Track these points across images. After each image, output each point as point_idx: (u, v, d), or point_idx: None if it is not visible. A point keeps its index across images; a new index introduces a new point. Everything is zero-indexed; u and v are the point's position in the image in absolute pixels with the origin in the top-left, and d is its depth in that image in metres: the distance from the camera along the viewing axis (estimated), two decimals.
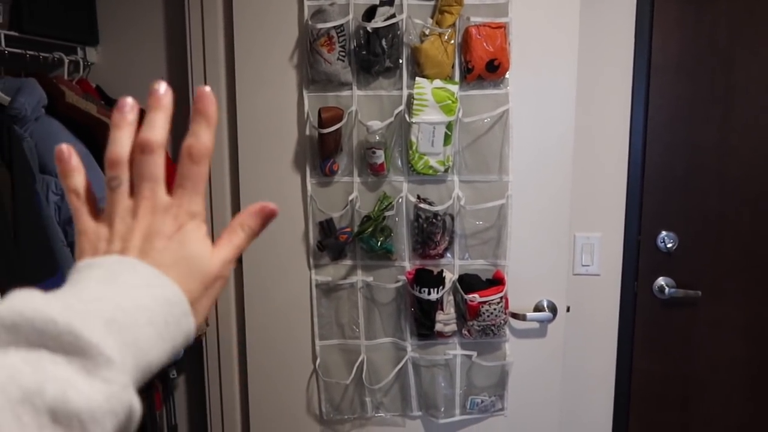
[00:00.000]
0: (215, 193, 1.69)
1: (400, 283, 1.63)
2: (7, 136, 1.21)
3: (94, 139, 1.45)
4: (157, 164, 0.41)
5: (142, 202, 0.41)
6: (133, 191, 0.42)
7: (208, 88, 0.43)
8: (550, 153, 1.59)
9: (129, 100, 0.44)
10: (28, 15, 1.48)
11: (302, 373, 1.71)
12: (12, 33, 1.46)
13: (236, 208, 1.69)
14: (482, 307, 1.56)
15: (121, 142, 0.42)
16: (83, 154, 1.36)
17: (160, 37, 1.77)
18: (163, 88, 0.43)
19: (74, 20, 1.68)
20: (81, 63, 1.69)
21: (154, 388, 1.56)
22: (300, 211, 1.64)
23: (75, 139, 1.37)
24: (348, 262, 1.65)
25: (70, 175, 0.43)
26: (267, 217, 0.45)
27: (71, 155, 0.44)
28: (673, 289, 1.82)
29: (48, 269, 1.23)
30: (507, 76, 1.56)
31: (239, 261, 1.70)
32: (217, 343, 1.74)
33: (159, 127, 0.42)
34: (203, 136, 0.42)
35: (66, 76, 1.61)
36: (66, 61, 1.60)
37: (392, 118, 1.55)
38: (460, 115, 1.54)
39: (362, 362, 1.67)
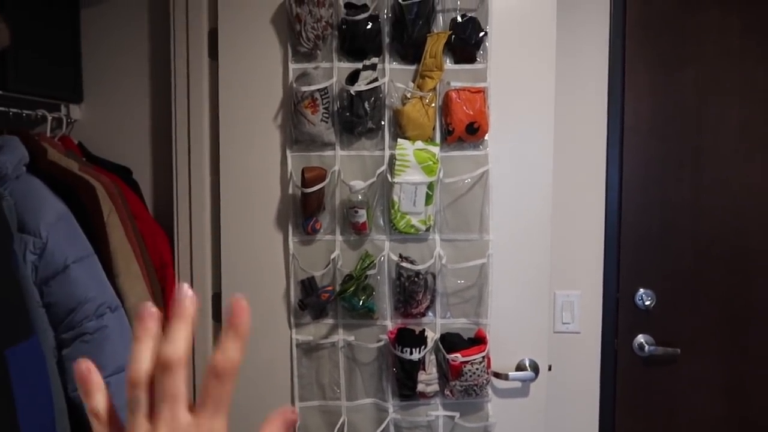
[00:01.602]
0: (195, 252, 1.68)
1: (381, 343, 1.62)
2: None
3: (76, 197, 1.44)
4: (178, 382, 0.39)
5: (161, 425, 0.39)
6: (153, 411, 0.40)
7: (244, 301, 0.41)
8: (530, 212, 1.62)
9: (149, 310, 0.41)
10: (14, 73, 1.49)
11: None
12: None
13: (217, 267, 1.67)
14: (464, 366, 1.55)
15: (141, 358, 0.40)
16: (63, 213, 1.35)
17: (144, 95, 1.79)
18: (188, 294, 0.41)
19: (59, 78, 1.70)
20: (64, 120, 1.70)
21: None
22: (282, 270, 1.63)
23: (55, 198, 1.36)
24: (329, 321, 1.64)
25: (91, 394, 0.41)
26: (289, 426, 0.44)
27: (91, 372, 0.42)
28: (652, 347, 1.83)
29: (22, 331, 1.20)
30: (486, 138, 1.60)
31: (218, 319, 1.67)
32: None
33: (181, 341, 0.40)
34: (231, 351, 0.40)
35: (48, 133, 1.61)
36: (49, 118, 1.60)
37: (374, 178, 1.57)
38: (441, 175, 1.57)
39: (343, 424, 1.64)
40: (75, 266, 1.32)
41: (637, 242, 1.85)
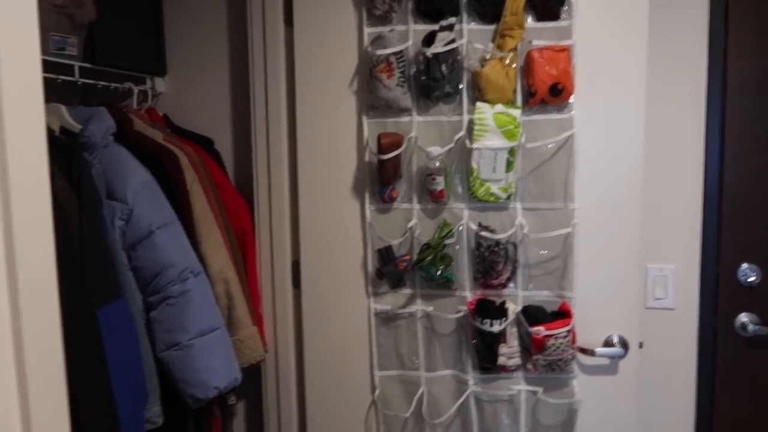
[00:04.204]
0: (274, 220, 1.69)
1: (461, 314, 1.57)
2: (76, 162, 1.24)
3: (161, 166, 1.48)
4: None
5: None
6: None
7: None
8: (619, 179, 1.52)
9: None
10: (101, 47, 1.55)
11: (361, 403, 1.67)
12: (85, 65, 1.52)
13: (296, 235, 1.68)
14: (548, 340, 1.48)
15: None
16: (148, 181, 1.39)
17: (224, 67, 1.81)
18: None
19: (144, 52, 1.75)
20: (149, 93, 1.75)
21: (213, 415, 1.55)
22: (359, 238, 1.62)
23: (141, 166, 1.40)
24: (407, 291, 1.61)
25: None
26: None
27: None
28: (756, 327, 1.68)
29: (113, 292, 1.24)
30: (571, 100, 1.50)
31: (297, 285, 1.69)
32: (276, 369, 1.73)
33: None
34: None
35: (135, 106, 1.66)
36: (135, 91, 1.66)
37: (452, 144, 1.52)
38: (522, 140, 1.49)
39: (422, 395, 1.62)
40: (159, 232, 1.36)
41: (741, 213, 1.69)
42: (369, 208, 1.60)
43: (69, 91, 1.53)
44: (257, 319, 1.65)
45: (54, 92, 1.45)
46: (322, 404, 1.69)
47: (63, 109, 1.39)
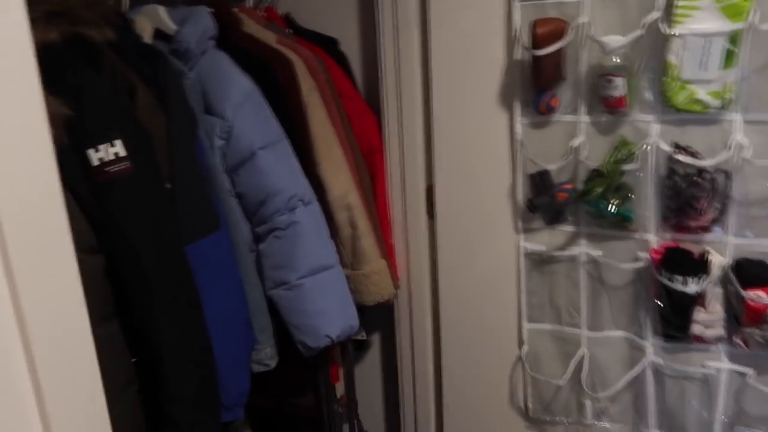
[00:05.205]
0: (406, 137, 1.41)
1: (640, 263, 1.20)
2: (162, 71, 1.07)
3: (270, 73, 1.27)
4: None
5: None
6: None
7: None
8: None
9: None
10: None
11: (505, 357, 1.41)
12: None
13: (429, 155, 1.39)
14: None
15: None
16: (250, 91, 1.19)
17: None
18: None
19: None
20: None
21: (332, 360, 1.40)
22: (506, 160, 1.30)
23: (243, 75, 1.19)
24: (568, 229, 1.27)
25: None
26: None
27: None
28: None
29: (208, 224, 1.09)
30: None
31: (431, 215, 1.42)
32: (410, 309, 1.51)
33: None
34: None
35: (251, 4, 1.45)
36: None
37: (641, 31, 1.08)
38: (755, 19, 1.01)
39: (583, 357, 1.30)
40: (262, 153, 1.17)
41: None
42: (520, 122, 1.25)
43: None
44: (388, 252, 1.43)
45: None
46: (460, 353, 1.46)
47: (160, 9, 1.21)
